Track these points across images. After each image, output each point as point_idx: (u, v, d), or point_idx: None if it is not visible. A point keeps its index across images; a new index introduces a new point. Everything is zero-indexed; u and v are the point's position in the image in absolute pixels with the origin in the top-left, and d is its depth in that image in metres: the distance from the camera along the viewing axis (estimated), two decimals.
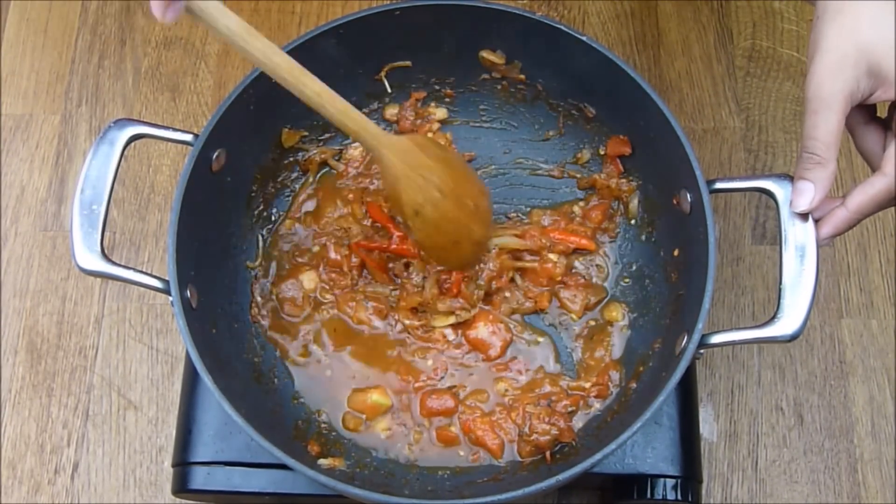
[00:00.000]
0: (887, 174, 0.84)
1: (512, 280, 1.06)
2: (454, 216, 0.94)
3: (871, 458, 1.13)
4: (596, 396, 1.02)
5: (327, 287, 1.07)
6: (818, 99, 0.84)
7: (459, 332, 1.05)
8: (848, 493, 1.12)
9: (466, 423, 1.01)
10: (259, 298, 1.06)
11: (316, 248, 1.09)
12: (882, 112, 0.89)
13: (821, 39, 0.85)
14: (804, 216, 0.89)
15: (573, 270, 1.08)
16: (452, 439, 1.01)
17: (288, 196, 1.12)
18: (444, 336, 1.04)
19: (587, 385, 1.02)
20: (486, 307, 1.06)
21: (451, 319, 1.04)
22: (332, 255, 1.07)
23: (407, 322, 1.04)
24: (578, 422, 1.01)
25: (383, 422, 1.02)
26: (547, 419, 0.99)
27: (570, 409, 1.01)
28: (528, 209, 1.12)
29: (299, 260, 1.08)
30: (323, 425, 1.02)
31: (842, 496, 1.12)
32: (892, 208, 1.22)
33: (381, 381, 1.03)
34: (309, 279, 1.07)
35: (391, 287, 1.06)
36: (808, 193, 0.87)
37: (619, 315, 1.06)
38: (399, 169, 0.90)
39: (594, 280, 1.08)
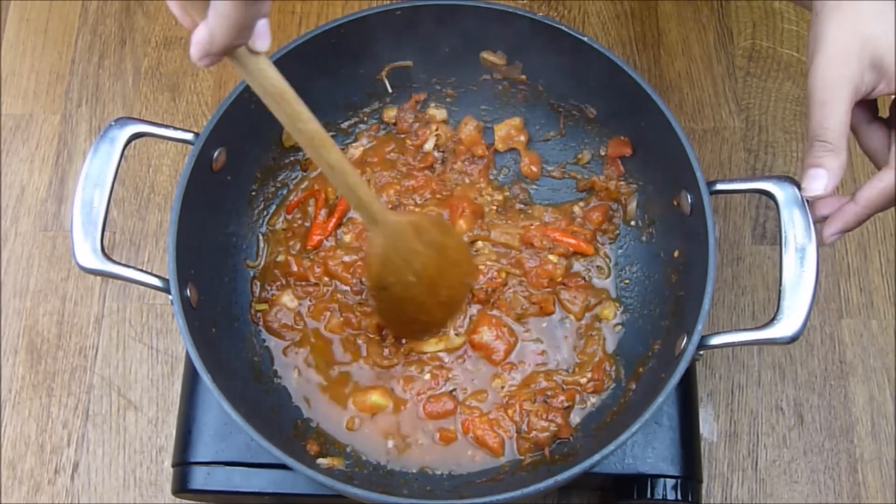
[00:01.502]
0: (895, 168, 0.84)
1: (505, 283, 1.06)
2: (420, 300, 0.97)
3: (871, 458, 1.14)
4: (592, 391, 1.02)
5: (311, 301, 1.07)
6: (826, 89, 0.84)
7: (454, 353, 1.05)
8: (848, 493, 1.12)
9: (466, 423, 1.01)
10: (260, 340, 1.06)
11: (280, 258, 1.09)
12: (883, 111, 0.89)
13: (822, 34, 0.85)
14: (804, 210, 0.89)
15: (573, 271, 1.08)
16: (453, 439, 1.01)
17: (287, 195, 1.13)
18: (440, 358, 1.04)
19: (583, 380, 1.02)
20: (492, 312, 1.06)
21: (440, 345, 1.04)
22: (294, 267, 1.07)
23: (384, 361, 1.03)
24: (576, 417, 1.01)
25: (383, 422, 1.02)
26: (544, 416, 0.99)
27: (566, 404, 1.01)
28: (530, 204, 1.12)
29: (273, 285, 1.08)
30: (322, 425, 1.02)
31: (842, 496, 1.12)
32: (893, 208, 1.23)
33: (381, 383, 1.03)
34: (289, 299, 1.07)
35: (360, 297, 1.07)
36: (821, 178, 0.86)
37: (610, 314, 1.06)
38: (383, 248, 0.91)
39: (594, 281, 1.08)
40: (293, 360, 1.04)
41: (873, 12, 0.84)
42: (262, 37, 0.70)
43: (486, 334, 1.04)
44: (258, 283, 1.08)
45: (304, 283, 1.07)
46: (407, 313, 0.99)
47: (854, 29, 0.83)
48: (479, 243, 1.08)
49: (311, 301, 1.07)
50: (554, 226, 1.08)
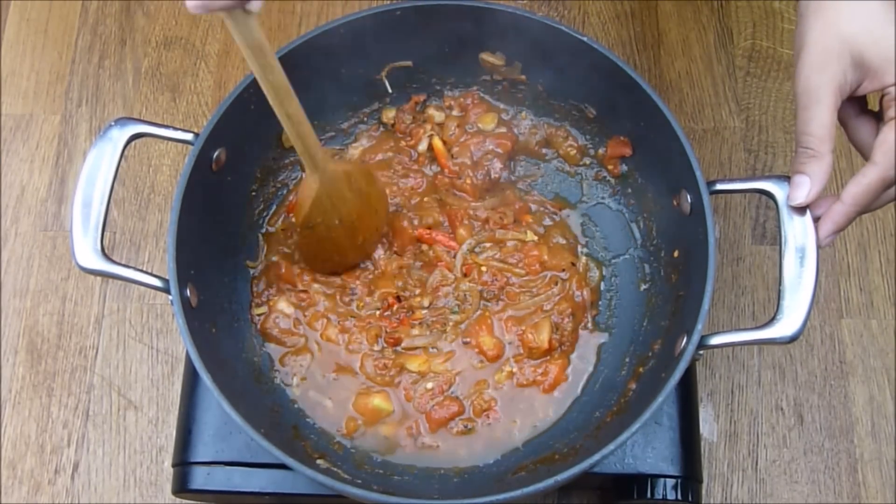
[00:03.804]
0: (877, 163, 0.84)
1: (508, 280, 1.06)
2: (338, 241, 1.04)
3: (871, 458, 1.14)
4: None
5: (302, 306, 1.06)
6: (808, 94, 0.85)
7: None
8: (848, 493, 1.12)
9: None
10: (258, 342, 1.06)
11: (274, 258, 1.08)
12: (873, 104, 0.89)
13: (805, 35, 0.86)
14: (803, 212, 0.89)
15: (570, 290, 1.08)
16: (454, 439, 1.01)
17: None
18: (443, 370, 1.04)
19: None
20: (500, 312, 1.06)
21: (424, 366, 1.03)
22: (283, 269, 1.07)
23: (377, 377, 1.03)
24: (574, 414, 1.01)
25: (385, 426, 1.01)
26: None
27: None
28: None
29: (272, 287, 1.07)
30: (322, 425, 1.02)
31: (842, 496, 1.12)
32: (893, 208, 1.23)
33: (383, 388, 1.03)
34: (285, 305, 1.06)
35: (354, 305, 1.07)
36: (804, 186, 0.87)
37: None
38: (317, 191, 0.97)
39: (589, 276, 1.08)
40: (292, 368, 1.04)
41: (853, 11, 0.84)
42: (256, 1, 0.78)
43: (486, 339, 1.04)
44: (258, 284, 1.07)
45: (293, 287, 1.07)
46: (325, 251, 1.05)
47: (834, 29, 0.84)
48: (486, 244, 1.08)
49: (305, 306, 1.06)
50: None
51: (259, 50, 0.83)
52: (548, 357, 1.03)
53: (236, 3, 0.77)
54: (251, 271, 1.08)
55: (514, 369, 1.03)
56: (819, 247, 0.88)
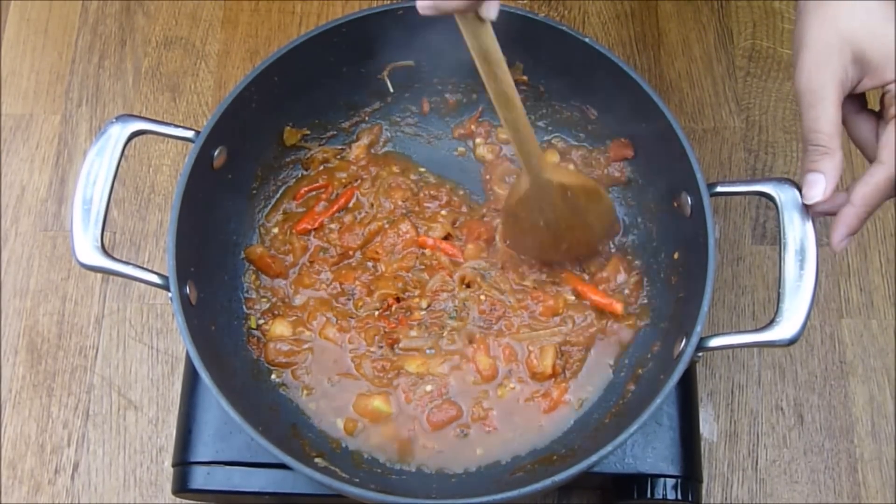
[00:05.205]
0: (885, 162, 0.84)
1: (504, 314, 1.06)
2: (540, 239, 1.03)
3: (871, 458, 1.14)
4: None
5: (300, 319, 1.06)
6: (811, 92, 0.85)
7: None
8: (848, 493, 1.12)
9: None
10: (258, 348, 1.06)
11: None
12: (873, 103, 0.89)
13: (805, 33, 0.86)
14: (805, 213, 0.89)
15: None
16: (454, 440, 1.00)
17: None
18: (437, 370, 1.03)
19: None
20: (499, 339, 1.05)
21: (421, 366, 1.02)
22: (259, 252, 1.07)
23: (376, 380, 1.03)
24: (572, 419, 1.01)
25: (384, 427, 1.01)
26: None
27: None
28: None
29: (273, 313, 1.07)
30: (322, 425, 1.02)
31: (842, 496, 1.12)
32: (893, 208, 1.23)
33: (383, 389, 1.03)
34: (283, 328, 1.05)
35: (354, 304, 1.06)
36: (819, 184, 0.86)
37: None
38: (525, 191, 0.97)
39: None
40: (292, 367, 1.04)
41: (852, 9, 0.84)
42: (492, 7, 0.77)
43: (483, 360, 1.03)
44: (250, 291, 1.07)
45: (287, 302, 1.07)
46: (523, 240, 1.05)
47: (834, 26, 0.84)
48: (488, 273, 1.07)
49: (304, 319, 1.06)
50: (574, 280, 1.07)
51: (485, 57, 0.83)
52: (552, 380, 1.02)
53: (468, 6, 0.76)
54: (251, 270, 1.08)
55: (516, 387, 1.02)
56: (833, 252, 0.88)
